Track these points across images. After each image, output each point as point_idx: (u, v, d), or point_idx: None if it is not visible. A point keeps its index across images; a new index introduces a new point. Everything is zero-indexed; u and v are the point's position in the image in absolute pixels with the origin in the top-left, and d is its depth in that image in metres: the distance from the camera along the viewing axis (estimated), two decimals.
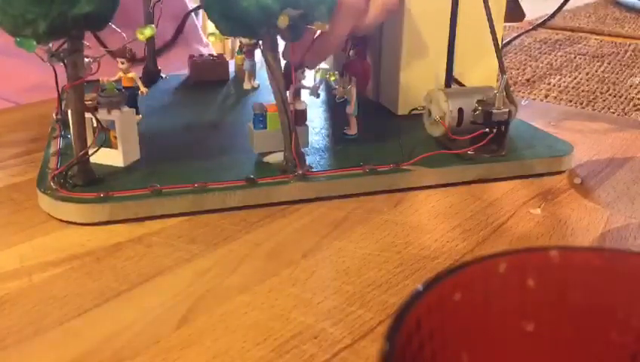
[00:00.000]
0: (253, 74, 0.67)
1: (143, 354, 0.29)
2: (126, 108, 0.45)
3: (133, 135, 0.46)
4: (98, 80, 0.47)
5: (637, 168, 0.51)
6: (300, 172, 0.44)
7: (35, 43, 0.37)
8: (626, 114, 0.68)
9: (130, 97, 0.51)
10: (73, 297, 0.33)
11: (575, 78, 0.80)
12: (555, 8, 0.77)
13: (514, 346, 0.22)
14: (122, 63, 0.54)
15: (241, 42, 0.68)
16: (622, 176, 0.49)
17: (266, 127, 0.47)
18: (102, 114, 0.44)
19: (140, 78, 0.55)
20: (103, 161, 0.45)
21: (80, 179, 0.43)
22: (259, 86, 0.67)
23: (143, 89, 0.56)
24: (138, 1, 0.64)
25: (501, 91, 0.47)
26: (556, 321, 0.22)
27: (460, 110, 0.48)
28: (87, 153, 0.42)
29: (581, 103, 0.71)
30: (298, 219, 0.42)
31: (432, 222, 0.42)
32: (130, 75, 0.55)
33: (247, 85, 0.67)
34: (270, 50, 0.43)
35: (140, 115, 0.54)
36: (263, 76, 0.65)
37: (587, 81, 0.79)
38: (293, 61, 0.48)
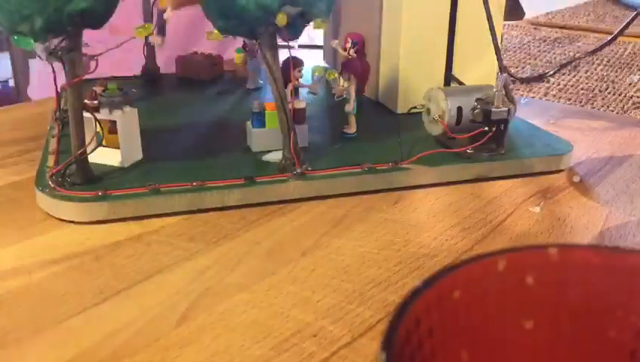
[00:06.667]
0: (257, 73, 0.67)
1: (142, 352, 0.29)
2: (128, 108, 0.45)
3: (135, 135, 0.46)
4: (97, 79, 0.46)
5: (636, 166, 0.51)
6: (299, 170, 0.44)
7: (32, 41, 0.37)
8: (625, 112, 0.68)
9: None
10: (72, 295, 0.33)
11: (574, 77, 0.80)
12: (554, 6, 0.78)
13: (513, 344, 0.22)
14: None
15: (245, 41, 0.68)
16: (621, 174, 0.49)
17: (264, 126, 0.47)
18: (103, 114, 0.44)
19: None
20: (105, 162, 0.45)
21: (78, 178, 0.43)
22: (262, 85, 0.67)
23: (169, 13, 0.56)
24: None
25: (500, 90, 0.47)
26: (555, 319, 0.22)
27: (459, 109, 0.48)
28: (85, 152, 0.42)
29: (580, 102, 0.71)
30: (297, 217, 0.42)
31: (431, 221, 0.42)
32: None
33: (250, 85, 0.67)
34: (269, 49, 0.43)
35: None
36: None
37: (586, 79, 0.79)
38: None
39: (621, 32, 0.80)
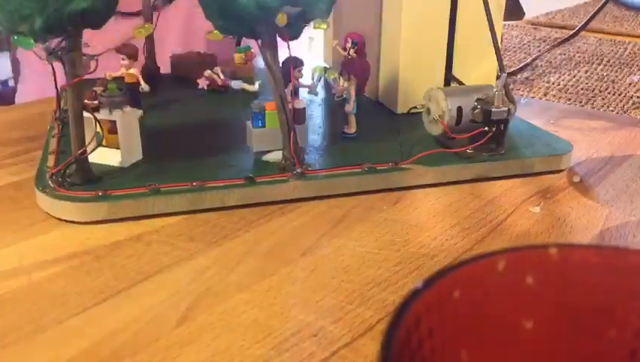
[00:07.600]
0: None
1: (142, 352, 0.29)
2: (128, 108, 0.45)
3: (135, 135, 0.46)
4: (97, 78, 0.47)
5: (636, 166, 0.51)
6: (299, 170, 0.44)
7: (32, 41, 0.37)
8: (625, 112, 0.68)
9: (131, 93, 0.51)
10: (72, 296, 0.33)
11: (574, 77, 0.80)
12: (554, 6, 0.79)
13: (513, 343, 0.22)
14: (124, 59, 0.54)
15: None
16: (621, 174, 0.49)
17: (264, 126, 0.47)
18: (103, 114, 0.44)
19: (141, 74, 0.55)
20: (105, 162, 0.45)
21: (78, 178, 0.43)
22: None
23: (144, 85, 0.56)
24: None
25: (500, 90, 0.47)
26: (555, 319, 0.22)
27: (459, 109, 0.48)
28: (85, 152, 0.42)
29: (580, 102, 0.71)
30: (297, 217, 0.42)
31: (431, 221, 0.42)
32: (131, 71, 0.55)
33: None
34: (269, 49, 0.43)
35: (142, 111, 0.54)
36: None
37: (586, 79, 0.79)
38: None
39: (585, 25, 0.80)
